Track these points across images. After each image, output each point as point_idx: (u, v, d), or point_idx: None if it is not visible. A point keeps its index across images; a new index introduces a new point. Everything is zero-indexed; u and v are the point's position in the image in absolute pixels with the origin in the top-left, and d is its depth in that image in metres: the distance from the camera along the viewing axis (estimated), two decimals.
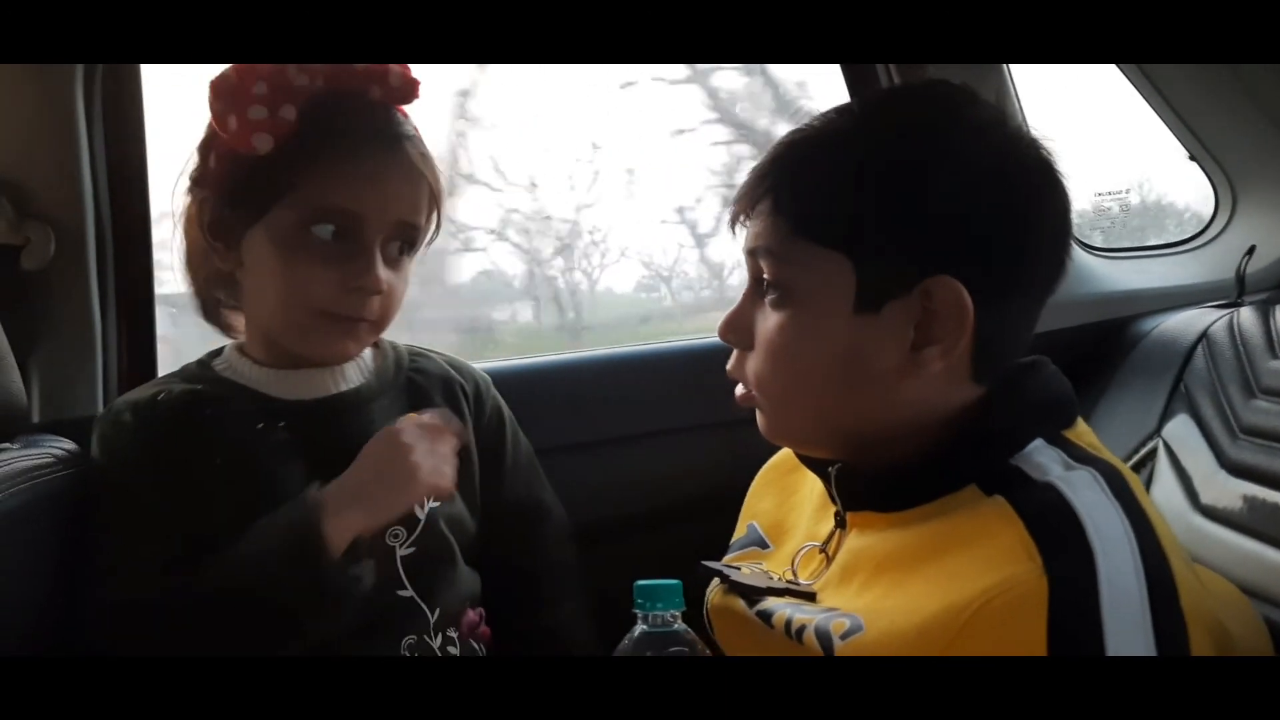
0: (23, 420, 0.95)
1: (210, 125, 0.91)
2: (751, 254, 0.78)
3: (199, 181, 0.94)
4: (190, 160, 0.95)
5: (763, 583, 0.83)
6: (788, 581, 0.82)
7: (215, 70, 0.88)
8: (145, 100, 1.11)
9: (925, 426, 0.74)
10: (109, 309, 1.07)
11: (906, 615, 0.66)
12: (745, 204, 0.78)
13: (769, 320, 0.76)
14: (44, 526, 0.87)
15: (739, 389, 0.81)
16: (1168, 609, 0.62)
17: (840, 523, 0.80)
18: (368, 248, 0.89)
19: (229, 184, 0.90)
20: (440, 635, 0.93)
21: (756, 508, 0.96)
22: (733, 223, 0.80)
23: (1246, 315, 1.08)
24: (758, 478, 0.99)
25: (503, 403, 1.08)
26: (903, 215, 0.71)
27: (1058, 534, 0.63)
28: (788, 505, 0.92)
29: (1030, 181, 0.74)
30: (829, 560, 0.80)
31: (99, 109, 1.07)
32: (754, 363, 0.78)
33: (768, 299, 0.77)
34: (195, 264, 0.98)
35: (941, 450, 0.73)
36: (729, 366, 0.82)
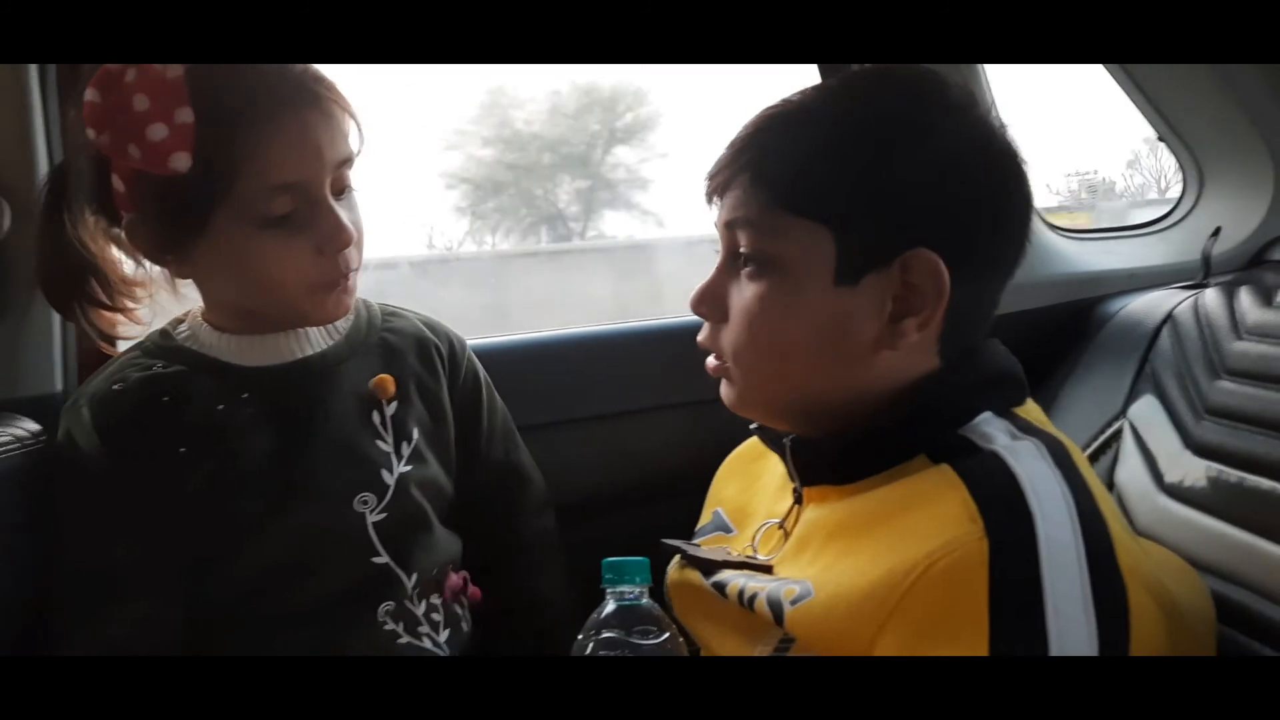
0: None
1: (95, 152, 0.85)
2: (728, 226, 0.79)
3: (106, 204, 0.88)
4: (73, 163, 0.90)
5: (719, 556, 0.84)
6: (746, 557, 0.83)
7: None
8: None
9: (885, 398, 0.76)
10: None
11: (853, 579, 0.68)
12: (723, 177, 0.79)
13: (746, 291, 0.77)
14: (2, 504, 0.85)
15: (710, 360, 0.82)
16: (1105, 568, 0.64)
17: (798, 499, 0.82)
18: (324, 206, 0.86)
19: (155, 203, 0.85)
20: (424, 602, 0.93)
21: (721, 495, 0.97)
22: (709, 196, 0.81)
23: (1211, 297, 1.09)
24: (722, 466, 1.00)
25: (478, 364, 1.06)
26: (883, 189, 0.73)
27: (999, 498, 0.66)
28: (751, 491, 0.93)
29: (999, 163, 0.77)
30: (787, 537, 0.81)
31: (54, 79, 1.04)
32: (730, 334, 0.79)
33: (745, 271, 0.78)
34: (95, 270, 0.94)
35: (895, 422, 0.75)
36: (700, 337, 0.83)
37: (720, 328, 0.80)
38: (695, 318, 0.83)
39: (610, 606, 0.72)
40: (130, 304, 0.96)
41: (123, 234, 0.89)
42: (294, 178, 0.84)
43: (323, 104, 0.86)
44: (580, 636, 0.72)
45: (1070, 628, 0.61)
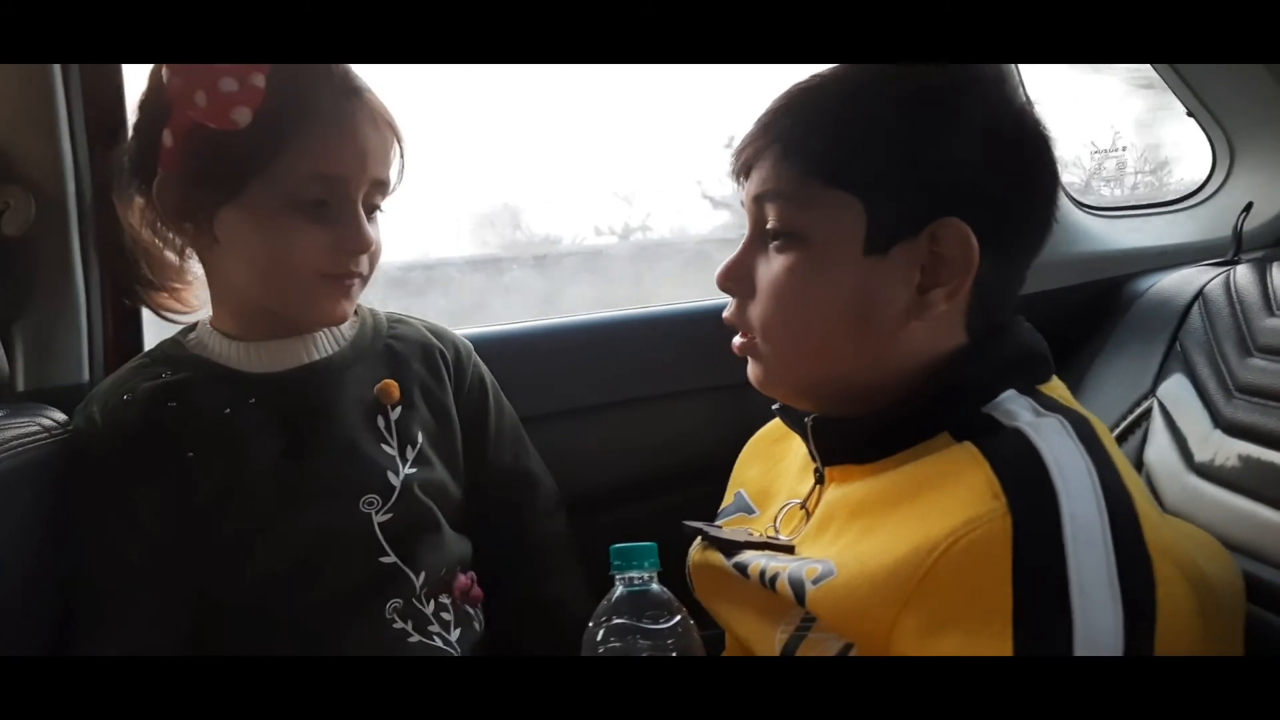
0: (5, 389, 0.94)
1: (158, 103, 0.88)
2: (757, 200, 0.78)
3: (147, 165, 0.90)
4: (126, 147, 0.93)
5: (741, 537, 0.84)
6: (768, 537, 0.83)
7: None
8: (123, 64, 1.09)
9: (911, 374, 0.75)
10: (92, 275, 1.05)
11: (876, 558, 0.67)
12: (752, 151, 0.78)
13: (775, 265, 0.77)
14: (30, 495, 0.87)
15: (736, 338, 0.82)
16: (1131, 544, 0.63)
17: (819, 479, 0.81)
18: (352, 208, 0.89)
19: (196, 162, 0.87)
20: (433, 602, 0.93)
21: (744, 476, 0.97)
22: (737, 173, 0.81)
23: (1243, 273, 1.07)
24: (745, 448, 1.00)
25: (485, 370, 1.07)
26: (915, 159, 0.73)
27: (1022, 475, 0.65)
28: (774, 472, 0.92)
29: (1029, 138, 0.77)
30: (809, 517, 0.81)
31: (76, 72, 1.05)
32: (758, 308, 0.79)
33: (773, 245, 0.77)
34: (143, 252, 0.97)
35: (919, 401, 0.74)
36: (726, 314, 0.82)
37: (747, 303, 0.80)
38: (714, 302, 0.82)
39: (619, 592, 0.73)
40: (177, 285, 1.00)
41: (153, 193, 0.91)
42: (333, 171, 0.87)
43: (379, 124, 0.91)
44: (591, 624, 0.72)
45: (1095, 605, 0.60)
